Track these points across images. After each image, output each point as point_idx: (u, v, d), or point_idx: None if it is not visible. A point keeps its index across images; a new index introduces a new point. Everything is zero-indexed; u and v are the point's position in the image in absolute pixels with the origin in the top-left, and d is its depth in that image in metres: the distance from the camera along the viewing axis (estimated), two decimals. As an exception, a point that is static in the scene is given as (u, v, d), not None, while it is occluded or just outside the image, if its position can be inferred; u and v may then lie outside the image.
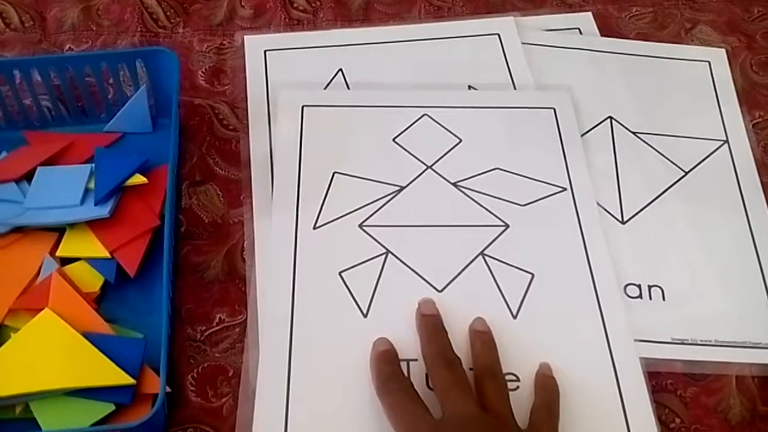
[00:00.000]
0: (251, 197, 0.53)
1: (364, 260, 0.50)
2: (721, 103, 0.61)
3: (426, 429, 0.40)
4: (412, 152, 0.56)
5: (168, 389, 0.42)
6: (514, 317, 0.48)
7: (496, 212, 0.53)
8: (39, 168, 0.51)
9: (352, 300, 0.48)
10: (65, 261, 0.48)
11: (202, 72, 0.62)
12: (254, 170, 0.55)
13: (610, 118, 0.59)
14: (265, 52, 0.62)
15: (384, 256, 0.50)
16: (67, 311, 0.44)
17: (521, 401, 0.44)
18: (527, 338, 0.47)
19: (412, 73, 0.61)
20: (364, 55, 0.62)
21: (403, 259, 0.50)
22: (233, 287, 0.50)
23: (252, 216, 0.52)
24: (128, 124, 0.56)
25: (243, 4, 0.67)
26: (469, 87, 0.60)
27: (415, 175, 0.54)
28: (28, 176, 0.51)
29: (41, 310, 0.44)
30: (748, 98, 0.62)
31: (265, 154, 0.55)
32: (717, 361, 0.48)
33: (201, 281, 0.50)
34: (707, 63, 0.64)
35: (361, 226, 0.52)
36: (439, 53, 0.63)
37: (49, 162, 0.52)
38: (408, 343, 0.46)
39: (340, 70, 0.61)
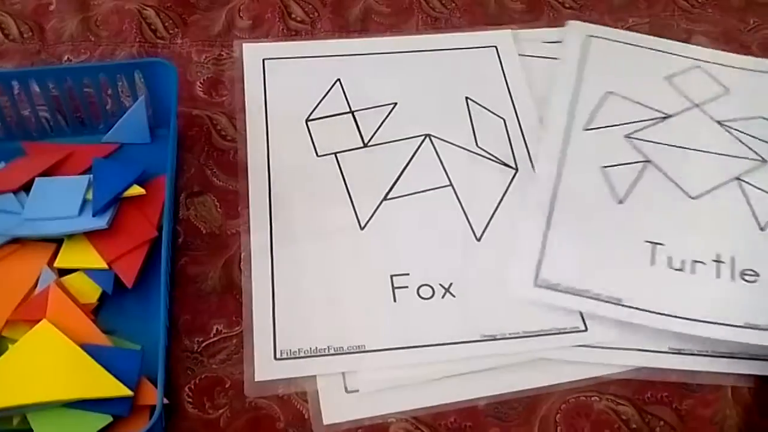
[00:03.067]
0: (248, 208, 0.54)
1: None
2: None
3: None
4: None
5: (165, 401, 0.42)
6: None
7: None
8: (37, 179, 0.51)
9: None
10: (63, 272, 0.48)
11: (200, 83, 0.62)
12: (251, 180, 0.55)
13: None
14: (263, 60, 0.62)
15: None
16: (64, 322, 0.44)
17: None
18: None
19: (410, 84, 0.62)
20: (362, 66, 0.63)
21: None
22: (230, 298, 0.50)
23: (249, 227, 0.53)
24: (126, 134, 0.56)
25: (241, 14, 0.67)
26: (467, 99, 0.61)
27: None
28: (27, 187, 0.51)
29: (39, 321, 0.44)
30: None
31: (262, 164, 0.56)
32: (713, 371, 0.48)
33: (198, 292, 0.50)
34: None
35: None
36: (438, 65, 0.63)
37: (47, 173, 0.53)
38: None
39: (338, 80, 0.61)
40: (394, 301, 0.50)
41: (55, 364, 0.43)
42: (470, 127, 0.59)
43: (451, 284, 0.50)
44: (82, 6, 0.67)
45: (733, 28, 0.70)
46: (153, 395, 0.43)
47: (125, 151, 0.56)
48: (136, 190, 0.50)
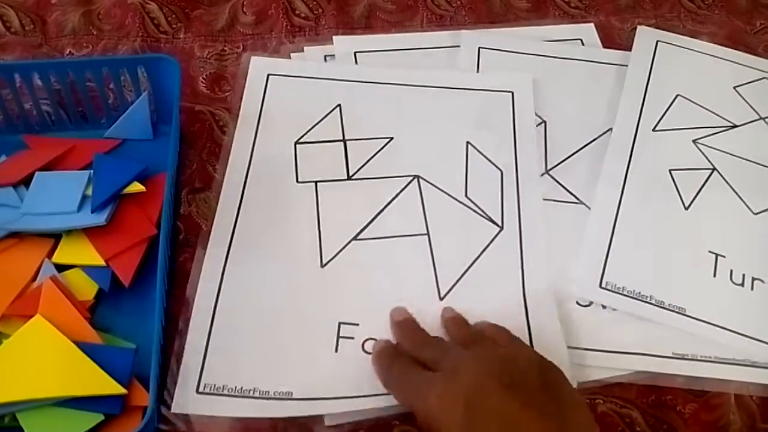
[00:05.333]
0: (213, 220, 0.51)
1: None
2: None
3: (425, 381, 0.41)
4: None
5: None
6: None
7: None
8: (37, 173, 0.51)
9: None
10: (61, 268, 0.48)
11: (203, 78, 0.61)
12: (224, 193, 0.53)
13: (611, 130, 0.59)
14: (267, 75, 0.60)
15: None
16: (57, 319, 0.44)
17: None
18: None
19: (411, 119, 0.58)
20: (367, 94, 0.59)
21: None
22: (230, 296, 0.49)
23: (207, 241, 0.50)
24: (129, 130, 0.56)
25: (245, 10, 0.66)
26: (468, 143, 0.57)
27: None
28: (27, 181, 0.51)
29: (33, 316, 0.44)
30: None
31: (239, 179, 0.54)
32: (717, 378, 0.47)
33: (198, 290, 0.50)
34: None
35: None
36: (446, 102, 0.59)
37: (48, 167, 0.52)
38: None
39: (339, 105, 0.58)
40: (336, 351, 0.46)
41: (48, 361, 0.42)
42: (464, 174, 0.55)
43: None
44: (84, -1, 0.66)
45: (739, 29, 0.69)
46: (146, 395, 0.42)
47: (127, 146, 0.56)
48: (136, 187, 0.50)
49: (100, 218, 0.48)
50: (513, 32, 0.66)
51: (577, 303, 0.50)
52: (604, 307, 0.50)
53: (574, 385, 0.46)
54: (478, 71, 0.62)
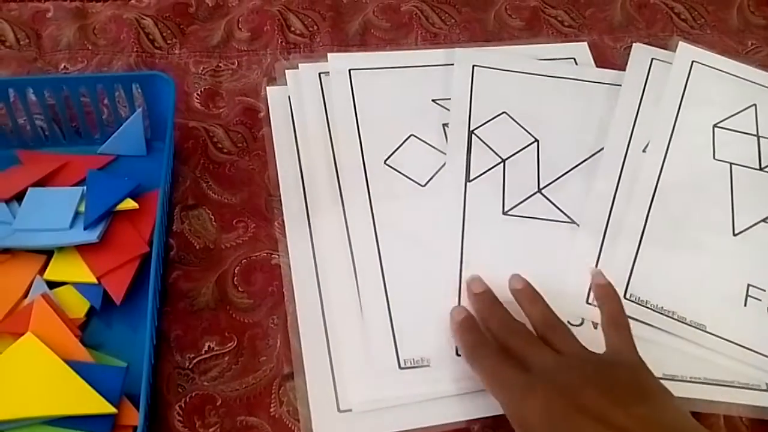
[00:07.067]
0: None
1: None
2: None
3: (520, 385, 0.42)
4: None
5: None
6: None
7: None
8: (30, 189, 0.51)
9: None
10: (52, 285, 0.48)
11: (198, 94, 0.61)
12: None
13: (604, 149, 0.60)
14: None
15: None
16: (47, 337, 0.43)
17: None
18: None
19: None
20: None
21: None
22: (224, 314, 0.49)
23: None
24: (123, 146, 0.56)
25: (240, 26, 0.67)
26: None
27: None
28: (19, 197, 0.51)
29: (23, 334, 0.43)
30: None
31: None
32: (707, 399, 0.48)
33: (190, 308, 0.50)
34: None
35: None
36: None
37: (41, 182, 0.52)
38: None
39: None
40: None
41: (38, 379, 0.42)
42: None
43: None
44: (80, 14, 0.66)
45: (731, 49, 0.70)
46: (136, 414, 0.42)
47: (121, 162, 0.56)
48: (129, 204, 0.50)
49: (93, 235, 0.48)
50: (507, 50, 0.66)
51: (569, 322, 0.50)
52: (595, 327, 0.50)
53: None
54: (471, 89, 0.62)
